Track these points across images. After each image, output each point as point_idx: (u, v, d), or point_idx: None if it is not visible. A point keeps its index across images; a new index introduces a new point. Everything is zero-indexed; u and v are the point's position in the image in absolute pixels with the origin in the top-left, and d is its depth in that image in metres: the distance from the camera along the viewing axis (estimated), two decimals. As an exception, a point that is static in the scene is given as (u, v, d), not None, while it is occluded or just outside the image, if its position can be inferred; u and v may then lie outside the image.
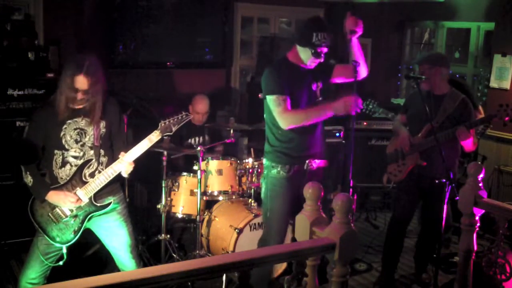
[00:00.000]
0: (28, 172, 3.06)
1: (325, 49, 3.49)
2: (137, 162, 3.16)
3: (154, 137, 3.15)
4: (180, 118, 3.24)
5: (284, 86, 3.40)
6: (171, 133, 3.23)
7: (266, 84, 3.46)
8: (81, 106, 3.05)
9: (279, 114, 3.39)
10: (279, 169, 3.53)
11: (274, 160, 3.55)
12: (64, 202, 3.07)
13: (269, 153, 3.60)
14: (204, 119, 5.00)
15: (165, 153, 4.27)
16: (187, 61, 5.99)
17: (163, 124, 3.20)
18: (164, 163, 4.28)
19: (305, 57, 3.48)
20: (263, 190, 3.67)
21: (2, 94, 4.39)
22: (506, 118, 3.76)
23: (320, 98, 3.58)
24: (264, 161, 3.66)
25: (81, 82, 2.97)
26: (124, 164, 3.10)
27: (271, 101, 3.40)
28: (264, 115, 3.60)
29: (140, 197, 5.47)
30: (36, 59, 4.65)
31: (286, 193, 3.55)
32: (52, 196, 3.06)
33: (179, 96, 5.20)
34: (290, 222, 3.65)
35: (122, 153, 3.11)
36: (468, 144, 3.84)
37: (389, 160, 4.23)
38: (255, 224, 4.17)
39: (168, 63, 5.81)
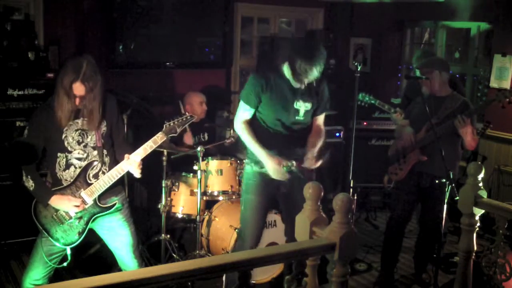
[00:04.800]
0: (29, 176, 3.04)
1: (307, 80, 3.39)
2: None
3: (158, 138, 3.14)
4: (184, 119, 3.24)
5: (252, 99, 3.49)
6: (175, 135, 3.23)
7: (244, 88, 3.58)
8: (80, 107, 3.04)
9: (236, 119, 3.58)
10: (252, 164, 3.60)
11: (249, 156, 3.64)
12: (68, 207, 3.05)
13: (247, 150, 3.67)
14: (203, 112, 5.00)
15: (165, 153, 4.27)
16: (187, 61, 5.98)
17: (167, 126, 3.19)
18: (164, 163, 4.28)
19: (287, 74, 3.46)
20: (242, 186, 3.77)
21: (2, 94, 4.39)
22: (506, 101, 3.80)
23: (303, 118, 3.54)
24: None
25: (79, 88, 2.94)
26: (134, 165, 3.09)
27: (240, 104, 3.58)
28: None
29: (140, 197, 5.47)
30: (36, 59, 4.66)
31: (259, 187, 3.59)
32: (56, 201, 3.05)
33: (179, 96, 5.19)
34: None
35: (127, 155, 3.11)
36: (467, 136, 3.84)
37: (391, 161, 4.25)
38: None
39: (168, 63, 5.80)
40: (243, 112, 3.55)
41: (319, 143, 3.61)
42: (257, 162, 3.57)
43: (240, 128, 3.55)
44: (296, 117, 3.53)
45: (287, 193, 3.63)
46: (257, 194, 3.61)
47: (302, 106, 3.52)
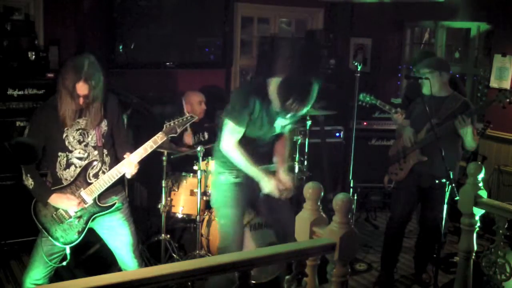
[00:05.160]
0: (28, 175, 3.04)
1: (293, 115, 3.27)
2: (139, 161, 3.15)
3: (158, 139, 3.14)
4: (185, 119, 3.23)
5: (245, 120, 3.30)
6: (175, 135, 3.23)
7: (232, 106, 3.36)
8: (84, 106, 3.04)
9: (226, 141, 3.37)
10: (226, 174, 3.50)
11: (222, 165, 3.52)
12: (66, 206, 3.06)
13: (217, 158, 3.56)
14: (202, 112, 5.00)
15: (165, 153, 4.27)
16: (187, 61, 5.99)
17: (167, 126, 3.18)
18: (164, 163, 4.28)
19: (273, 98, 3.27)
20: (213, 197, 3.64)
21: (2, 94, 4.39)
22: (507, 101, 3.80)
23: (278, 131, 3.48)
24: (214, 165, 3.63)
25: (82, 88, 2.94)
26: (129, 166, 3.09)
27: (227, 124, 3.34)
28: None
29: (140, 197, 5.47)
30: (36, 59, 4.65)
31: (237, 199, 3.50)
32: (55, 199, 3.05)
33: (179, 96, 5.19)
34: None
35: (127, 153, 3.11)
36: (468, 136, 3.84)
37: (391, 161, 4.25)
38: (255, 224, 4.16)
39: (168, 63, 5.80)
40: (234, 134, 3.35)
41: (287, 152, 3.59)
42: (232, 171, 3.47)
43: (233, 151, 3.35)
44: (273, 133, 3.49)
45: (266, 196, 3.54)
46: (236, 206, 3.51)
47: (281, 123, 3.43)
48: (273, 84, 3.27)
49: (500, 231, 2.99)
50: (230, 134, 3.35)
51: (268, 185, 3.40)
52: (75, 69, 2.93)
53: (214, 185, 3.64)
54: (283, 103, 3.18)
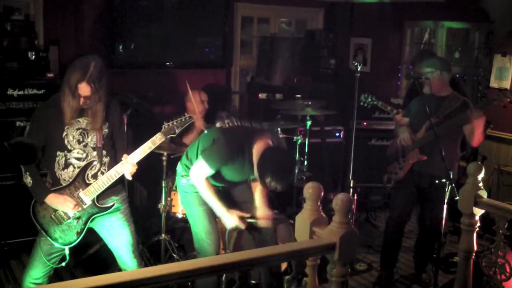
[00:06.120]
0: (27, 173, 3.04)
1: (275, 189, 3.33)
2: (138, 162, 3.16)
3: (157, 139, 3.14)
4: (183, 120, 3.23)
5: (220, 166, 3.36)
6: (174, 135, 3.23)
7: (213, 150, 3.37)
8: (84, 107, 3.05)
9: (196, 174, 3.39)
10: (188, 178, 3.54)
11: (185, 169, 3.58)
12: (62, 207, 3.06)
13: (182, 161, 3.63)
14: (203, 111, 4.99)
15: (165, 153, 4.27)
16: (187, 61, 5.98)
17: (166, 126, 3.18)
18: (164, 163, 4.28)
19: (255, 168, 3.33)
20: (180, 198, 3.71)
21: (2, 94, 4.38)
22: (507, 100, 3.81)
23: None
24: (178, 165, 3.68)
25: (84, 89, 2.96)
26: (128, 166, 3.09)
27: (199, 162, 3.37)
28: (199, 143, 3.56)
29: (140, 197, 5.46)
30: (36, 59, 4.65)
31: (200, 197, 3.52)
32: (52, 199, 3.05)
33: (179, 96, 5.19)
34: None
35: (125, 155, 3.11)
36: (479, 128, 3.83)
37: (390, 160, 4.25)
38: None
39: (168, 63, 5.80)
40: (205, 172, 3.39)
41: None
42: None
43: (201, 184, 3.41)
44: (249, 177, 3.57)
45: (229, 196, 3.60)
46: (201, 204, 3.54)
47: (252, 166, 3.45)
48: (256, 151, 3.31)
49: (500, 231, 2.99)
50: (201, 171, 3.39)
51: (230, 222, 3.44)
52: (81, 69, 2.95)
53: (177, 185, 3.72)
54: (261, 179, 3.27)
